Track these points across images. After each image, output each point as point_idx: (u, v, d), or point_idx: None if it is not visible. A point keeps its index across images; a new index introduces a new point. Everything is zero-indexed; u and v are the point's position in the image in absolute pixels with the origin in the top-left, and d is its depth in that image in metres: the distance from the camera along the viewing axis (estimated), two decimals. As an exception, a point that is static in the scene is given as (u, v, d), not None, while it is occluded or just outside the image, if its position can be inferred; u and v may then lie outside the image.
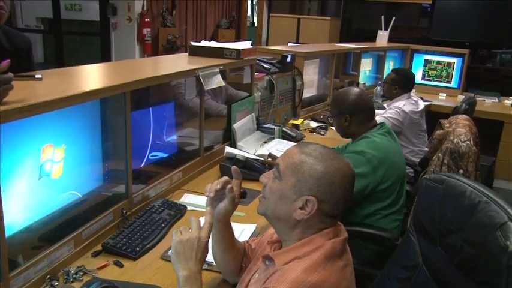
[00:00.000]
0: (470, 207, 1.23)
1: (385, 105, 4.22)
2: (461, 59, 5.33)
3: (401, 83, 3.64)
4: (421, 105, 3.61)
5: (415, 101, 3.60)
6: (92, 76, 2.01)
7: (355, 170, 2.12)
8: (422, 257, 1.41)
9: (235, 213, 1.94)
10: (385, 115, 3.47)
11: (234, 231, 1.77)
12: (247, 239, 1.50)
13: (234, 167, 1.36)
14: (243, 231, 1.79)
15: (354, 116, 2.27)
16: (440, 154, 2.49)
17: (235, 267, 1.43)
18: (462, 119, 2.70)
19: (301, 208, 1.13)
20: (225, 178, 1.34)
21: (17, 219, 1.38)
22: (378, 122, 2.36)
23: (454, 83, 5.39)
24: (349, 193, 1.16)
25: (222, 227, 1.37)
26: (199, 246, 1.20)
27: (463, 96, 5.07)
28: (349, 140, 2.44)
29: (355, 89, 2.43)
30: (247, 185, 2.25)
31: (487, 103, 5.07)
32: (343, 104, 2.31)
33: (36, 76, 1.57)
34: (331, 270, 1.10)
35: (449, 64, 5.39)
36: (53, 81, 1.67)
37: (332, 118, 2.40)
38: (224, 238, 1.39)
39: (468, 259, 1.21)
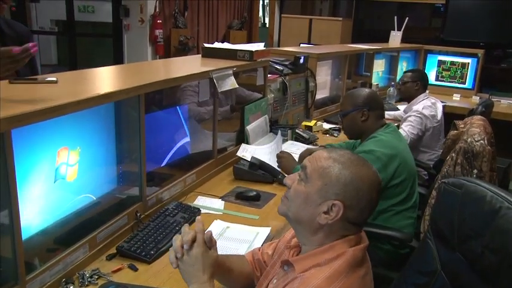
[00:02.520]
0: (491, 212, 1.20)
1: (398, 106, 4.18)
2: (475, 59, 5.26)
3: (421, 78, 3.67)
4: (439, 108, 3.60)
5: (432, 103, 3.57)
6: (106, 79, 2.01)
7: None
8: (440, 263, 1.39)
9: (248, 216, 1.96)
10: (409, 124, 3.43)
11: (248, 234, 1.77)
12: (260, 247, 1.48)
13: (198, 218, 1.24)
14: (257, 234, 1.78)
15: (371, 111, 2.30)
16: (453, 154, 2.45)
17: (248, 283, 1.40)
18: (477, 119, 2.66)
19: (325, 212, 1.11)
20: (191, 235, 1.17)
21: (33, 222, 1.38)
22: (403, 132, 2.38)
23: (468, 84, 5.32)
24: (375, 201, 1.14)
25: (220, 271, 1.27)
26: (196, 259, 1.14)
27: (478, 97, 5.02)
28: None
29: (367, 88, 2.45)
30: (261, 188, 2.25)
31: (503, 104, 4.99)
32: (359, 99, 2.32)
33: (52, 79, 1.57)
34: (353, 279, 1.08)
35: (463, 65, 5.32)
36: (68, 84, 1.67)
37: (345, 115, 2.37)
38: (225, 277, 1.34)
39: (489, 266, 1.19)
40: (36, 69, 1.94)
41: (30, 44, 1.28)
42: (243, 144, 2.53)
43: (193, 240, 1.16)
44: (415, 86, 3.64)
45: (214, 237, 1.22)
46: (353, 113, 2.32)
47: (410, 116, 3.49)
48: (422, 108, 3.45)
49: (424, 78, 3.71)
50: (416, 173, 2.41)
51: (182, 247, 1.15)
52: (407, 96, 3.77)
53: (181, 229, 1.20)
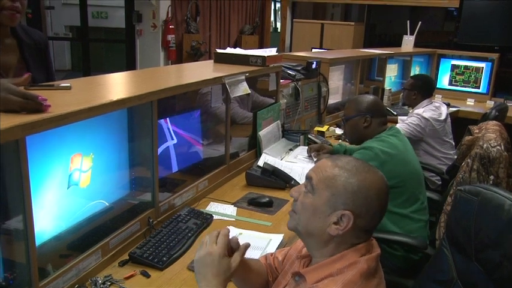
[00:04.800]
0: (509, 221, 1.18)
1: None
2: (490, 63, 5.20)
3: (420, 88, 3.59)
4: (443, 110, 3.53)
5: (436, 106, 3.51)
6: (119, 85, 2.02)
7: None
8: (456, 272, 1.37)
9: (261, 222, 1.95)
10: (407, 121, 3.43)
11: (261, 241, 1.76)
12: (272, 252, 1.46)
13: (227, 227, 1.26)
14: (270, 241, 1.76)
15: (374, 118, 2.34)
16: (469, 160, 2.42)
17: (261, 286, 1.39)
18: (492, 125, 2.62)
19: (335, 223, 1.09)
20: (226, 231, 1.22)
21: (47, 228, 1.39)
22: (399, 129, 2.40)
23: (482, 89, 5.25)
24: (384, 207, 1.13)
25: (241, 274, 1.27)
26: (212, 261, 1.14)
27: (492, 102, 4.96)
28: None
29: (371, 95, 2.52)
30: (274, 194, 2.24)
31: (517, 108, 4.93)
32: (362, 105, 2.37)
33: (66, 85, 1.59)
34: None
35: (477, 69, 5.26)
36: (81, 90, 1.68)
37: (348, 120, 2.41)
38: (249, 282, 1.34)
39: (508, 276, 1.17)
40: (52, 75, 1.96)
41: (45, 104, 1.26)
42: (264, 154, 2.52)
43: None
44: (412, 95, 3.61)
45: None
46: (355, 119, 2.37)
47: (409, 117, 3.47)
48: (423, 112, 3.42)
49: (425, 86, 3.61)
50: (422, 175, 2.41)
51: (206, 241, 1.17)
52: (407, 103, 3.74)
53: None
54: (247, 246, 1.22)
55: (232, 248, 1.19)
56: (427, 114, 3.40)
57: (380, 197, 1.11)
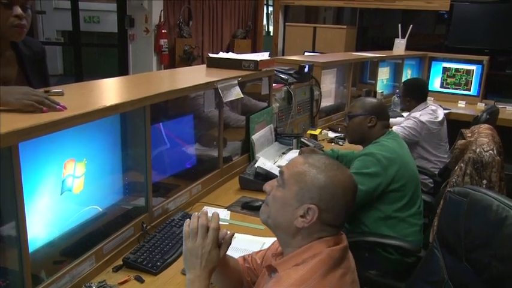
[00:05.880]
0: (497, 221, 1.20)
1: (404, 114, 4.18)
2: (480, 66, 5.25)
3: (412, 93, 3.61)
4: (440, 114, 3.56)
5: (433, 110, 3.54)
6: (111, 90, 2.03)
7: (366, 170, 2.18)
8: (447, 272, 1.38)
9: (254, 226, 1.96)
10: (403, 125, 3.44)
11: (254, 244, 1.77)
12: (250, 254, 1.48)
13: (215, 214, 1.28)
14: (263, 245, 1.77)
15: (379, 120, 2.37)
16: (462, 164, 2.44)
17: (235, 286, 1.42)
18: (484, 128, 2.64)
19: (302, 216, 1.15)
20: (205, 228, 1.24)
21: (40, 234, 1.39)
22: (396, 133, 2.42)
23: (473, 91, 5.30)
24: (350, 204, 1.18)
25: (222, 270, 1.34)
26: (203, 254, 1.21)
27: (483, 104, 5.00)
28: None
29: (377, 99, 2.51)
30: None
31: (508, 110, 4.97)
32: (369, 105, 2.40)
33: (58, 91, 1.59)
34: (330, 278, 1.10)
35: (468, 71, 5.31)
36: (74, 96, 1.68)
37: (353, 117, 2.41)
38: (226, 277, 1.38)
39: (497, 275, 1.18)
40: (48, 84, 1.96)
41: (58, 107, 1.38)
42: (260, 158, 2.53)
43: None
44: (406, 101, 3.64)
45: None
46: (361, 117, 2.38)
47: (406, 120, 3.49)
48: (420, 115, 3.44)
49: (417, 91, 3.62)
50: (419, 179, 2.43)
51: (197, 231, 1.22)
52: (403, 108, 3.75)
53: (200, 211, 1.27)
54: (232, 236, 1.28)
55: (219, 238, 1.25)
56: (423, 118, 3.43)
57: (346, 195, 1.16)
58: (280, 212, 1.19)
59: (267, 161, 2.52)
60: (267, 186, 1.25)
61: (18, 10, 1.66)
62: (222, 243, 1.25)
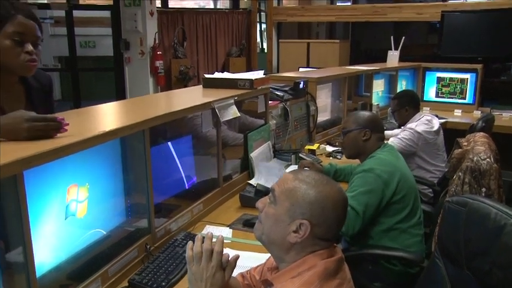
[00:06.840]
0: (496, 229, 1.22)
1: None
2: (474, 74, 5.31)
3: (409, 102, 3.68)
4: (436, 123, 3.59)
5: (428, 120, 3.57)
6: (110, 115, 2.06)
7: (368, 187, 2.21)
8: (450, 281, 1.40)
9: (257, 243, 1.96)
10: (399, 136, 3.47)
11: (258, 262, 1.78)
12: (248, 270, 1.51)
13: (220, 238, 1.29)
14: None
15: (373, 132, 2.38)
16: (460, 173, 2.46)
17: None
18: (480, 137, 2.67)
19: (295, 231, 1.18)
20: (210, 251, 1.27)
21: (46, 259, 1.41)
22: (391, 144, 2.44)
23: (468, 99, 5.35)
24: (341, 217, 1.21)
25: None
26: (208, 277, 1.23)
27: (479, 112, 5.04)
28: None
29: (371, 112, 2.52)
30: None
31: (504, 117, 5.01)
32: (362, 119, 2.42)
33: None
34: None
35: (462, 80, 5.37)
36: (74, 122, 1.70)
37: (347, 133, 2.44)
38: None
39: (498, 282, 1.20)
40: (53, 111, 1.99)
41: (64, 124, 1.43)
42: (256, 175, 2.55)
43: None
44: (405, 111, 3.68)
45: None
46: (355, 132, 2.40)
47: (402, 132, 3.53)
48: (416, 126, 3.47)
49: (412, 99, 3.70)
50: (417, 189, 2.45)
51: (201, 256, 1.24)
52: (401, 122, 3.79)
53: (205, 234, 1.30)
54: (236, 258, 1.29)
55: (223, 261, 1.26)
56: (419, 128, 3.46)
57: (336, 208, 1.19)
58: (273, 228, 1.21)
59: (265, 176, 2.54)
60: (259, 203, 1.28)
61: (29, 47, 1.69)
62: (226, 266, 1.26)
